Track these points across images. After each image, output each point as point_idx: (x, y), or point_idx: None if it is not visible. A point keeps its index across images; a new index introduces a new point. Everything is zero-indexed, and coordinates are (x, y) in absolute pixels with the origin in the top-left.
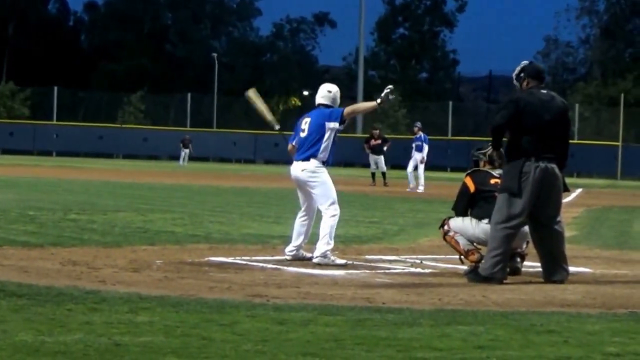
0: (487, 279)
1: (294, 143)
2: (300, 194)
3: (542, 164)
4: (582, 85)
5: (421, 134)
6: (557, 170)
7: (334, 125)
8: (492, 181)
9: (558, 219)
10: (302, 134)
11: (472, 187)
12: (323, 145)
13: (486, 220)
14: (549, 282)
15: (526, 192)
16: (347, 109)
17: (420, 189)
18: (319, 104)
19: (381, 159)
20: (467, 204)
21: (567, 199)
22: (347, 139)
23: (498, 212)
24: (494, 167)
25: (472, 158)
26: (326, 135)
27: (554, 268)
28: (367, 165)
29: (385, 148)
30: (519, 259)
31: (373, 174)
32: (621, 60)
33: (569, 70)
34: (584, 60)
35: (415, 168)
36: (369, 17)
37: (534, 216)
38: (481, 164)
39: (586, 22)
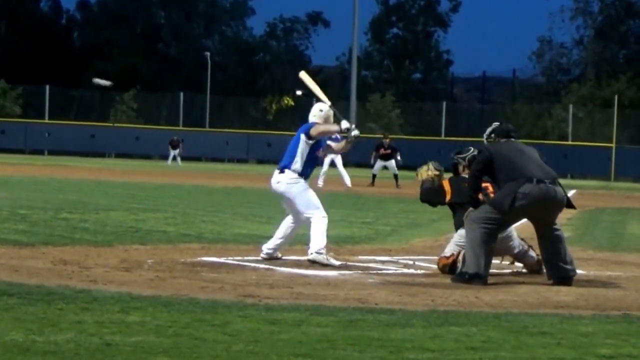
0: (471, 278)
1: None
2: (283, 203)
3: (542, 185)
4: (576, 86)
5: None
6: (559, 190)
7: (304, 138)
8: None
9: (556, 224)
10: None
11: (448, 195)
12: (297, 157)
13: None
14: (557, 285)
15: (516, 213)
16: (316, 129)
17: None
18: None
19: (392, 162)
20: (433, 199)
21: None
22: None
23: (478, 214)
24: None
25: (451, 162)
26: (300, 147)
27: (562, 269)
28: (361, 166)
29: (399, 158)
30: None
31: (374, 176)
32: (615, 62)
33: (563, 71)
34: (578, 61)
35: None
36: (362, 17)
37: (534, 224)
38: (460, 168)
39: (580, 23)
